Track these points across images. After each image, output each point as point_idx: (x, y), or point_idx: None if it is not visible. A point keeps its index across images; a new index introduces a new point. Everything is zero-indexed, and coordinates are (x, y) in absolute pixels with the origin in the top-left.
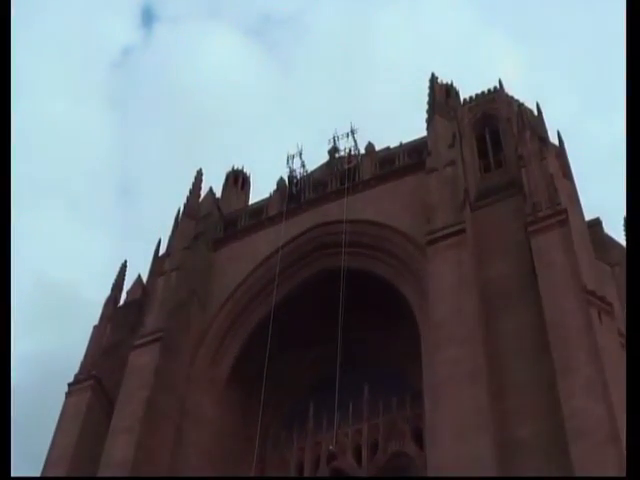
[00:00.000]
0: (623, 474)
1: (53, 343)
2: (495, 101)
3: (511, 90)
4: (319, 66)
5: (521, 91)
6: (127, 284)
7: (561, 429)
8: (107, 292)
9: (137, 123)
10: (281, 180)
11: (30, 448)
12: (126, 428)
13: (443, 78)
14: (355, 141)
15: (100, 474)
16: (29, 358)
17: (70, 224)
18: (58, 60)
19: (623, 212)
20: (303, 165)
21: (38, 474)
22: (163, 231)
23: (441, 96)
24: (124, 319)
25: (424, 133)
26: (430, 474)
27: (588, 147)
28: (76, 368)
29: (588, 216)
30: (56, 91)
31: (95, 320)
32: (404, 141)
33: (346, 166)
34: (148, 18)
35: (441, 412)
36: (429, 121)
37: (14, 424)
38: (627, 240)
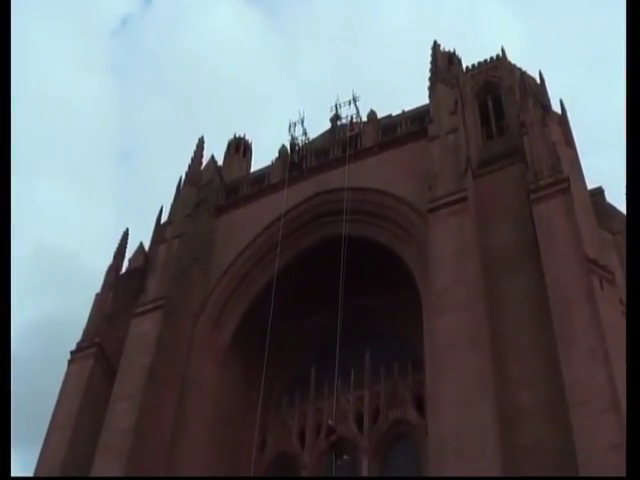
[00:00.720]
0: (623, 442)
1: (54, 310)
2: (497, 69)
3: (513, 58)
4: (321, 34)
5: (523, 59)
6: (129, 252)
7: (562, 396)
8: (108, 260)
9: (138, 91)
10: (283, 148)
11: (32, 416)
12: (128, 395)
13: (445, 46)
14: (357, 109)
15: (102, 441)
16: (30, 326)
17: (70, 191)
18: (57, 28)
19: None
20: (305, 133)
21: (40, 442)
22: (165, 199)
23: (443, 64)
24: (126, 287)
25: (426, 101)
26: (431, 443)
27: (591, 115)
28: (77, 335)
29: (590, 185)
30: (55, 59)
31: (96, 287)
32: (406, 109)
33: (348, 134)
34: None
35: (442, 379)
36: (431, 88)
37: (15, 396)
38: (627, 208)
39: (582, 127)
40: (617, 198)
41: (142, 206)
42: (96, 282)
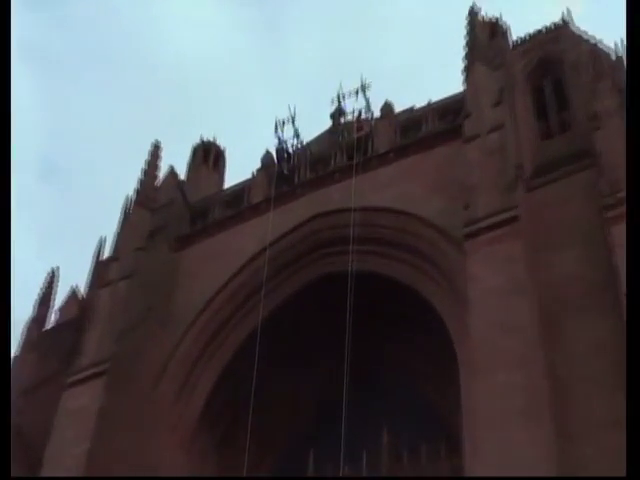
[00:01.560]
0: None
1: None
2: (558, 41)
3: (582, 25)
4: (317, 6)
5: (595, 27)
6: (58, 299)
7: None
8: (27, 309)
9: (71, 86)
10: (267, 155)
11: None
12: None
13: (487, 11)
14: (367, 100)
15: None
16: None
17: None
18: None
19: None
20: (297, 134)
21: None
22: (107, 227)
23: (484, 37)
24: (54, 347)
25: (461, 88)
26: None
27: None
28: None
29: None
30: None
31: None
32: (434, 99)
33: (355, 134)
34: None
35: (486, 463)
36: (467, 71)
37: None
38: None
39: None
40: None
41: (75, 236)
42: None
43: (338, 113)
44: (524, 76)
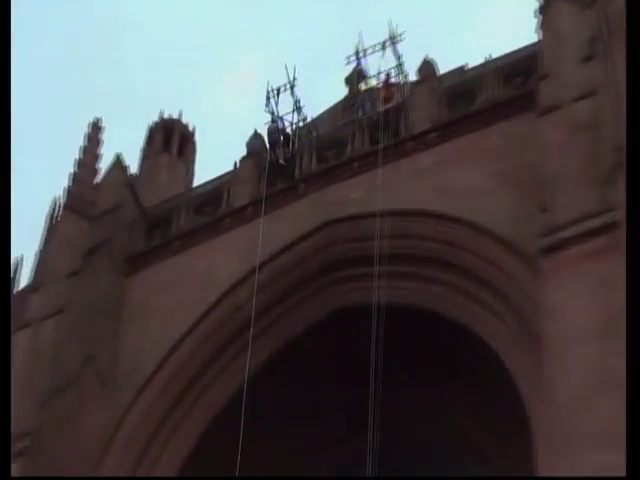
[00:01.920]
0: None
1: None
2: None
3: None
4: None
5: None
6: None
7: None
8: None
9: None
10: (256, 138)
11: None
12: None
13: None
14: (398, 58)
15: None
16: None
17: None
18: None
19: None
20: (298, 107)
21: None
22: (25, 243)
23: None
24: None
25: (533, 38)
26: None
27: None
28: None
29: None
30: None
31: None
32: (493, 55)
33: (381, 107)
34: None
35: None
36: (544, 12)
37: None
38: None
39: None
40: None
41: None
42: None
43: (357, 77)
44: (627, 19)
